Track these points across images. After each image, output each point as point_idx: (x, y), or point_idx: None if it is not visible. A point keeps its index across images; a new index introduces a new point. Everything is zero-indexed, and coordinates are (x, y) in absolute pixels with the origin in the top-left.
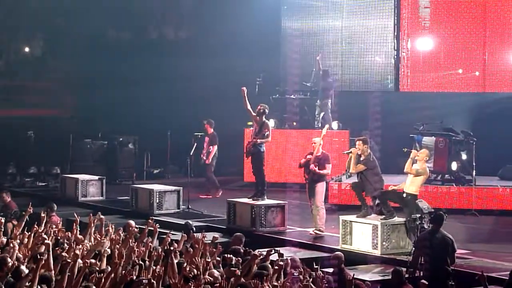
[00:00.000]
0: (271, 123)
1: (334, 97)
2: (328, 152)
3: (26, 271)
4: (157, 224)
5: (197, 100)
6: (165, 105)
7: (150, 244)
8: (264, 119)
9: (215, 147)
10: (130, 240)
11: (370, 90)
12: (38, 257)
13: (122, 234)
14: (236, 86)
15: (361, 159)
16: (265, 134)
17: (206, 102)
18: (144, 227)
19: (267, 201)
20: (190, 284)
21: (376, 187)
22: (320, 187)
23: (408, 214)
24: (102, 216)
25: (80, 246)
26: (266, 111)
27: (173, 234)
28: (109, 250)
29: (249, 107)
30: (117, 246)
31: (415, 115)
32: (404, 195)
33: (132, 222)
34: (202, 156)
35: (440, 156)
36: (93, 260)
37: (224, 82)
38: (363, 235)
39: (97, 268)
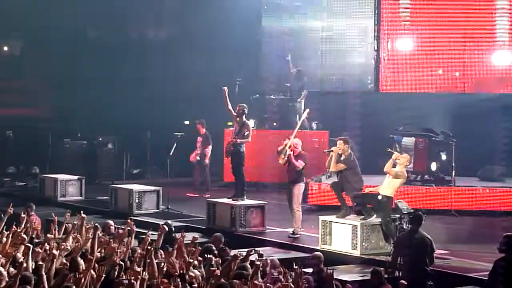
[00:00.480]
0: (251, 123)
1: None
2: (306, 152)
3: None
4: (133, 224)
5: (178, 100)
6: (145, 106)
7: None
8: (244, 119)
9: (210, 147)
10: (111, 241)
11: (350, 91)
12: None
13: (100, 234)
14: (217, 86)
15: (342, 158)
16: (245, 134)
17: (187, 102)
18: (123, 227)
19: (247, 202)
20: (172, 283)
21: (356, 187)
22: (297, 189)
23: (383, 217)
24: (84, 215)
25: (58, 245)
26: (246, 111)
27: (152, 234)
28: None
29: (230, 107)
30: (96, 246)
31: (395, 115)
32: (380, 197)
33: (111, 222)
34: (195, 156)
35: (419, 157)
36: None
37: (204, 82)
38: (342, 235)
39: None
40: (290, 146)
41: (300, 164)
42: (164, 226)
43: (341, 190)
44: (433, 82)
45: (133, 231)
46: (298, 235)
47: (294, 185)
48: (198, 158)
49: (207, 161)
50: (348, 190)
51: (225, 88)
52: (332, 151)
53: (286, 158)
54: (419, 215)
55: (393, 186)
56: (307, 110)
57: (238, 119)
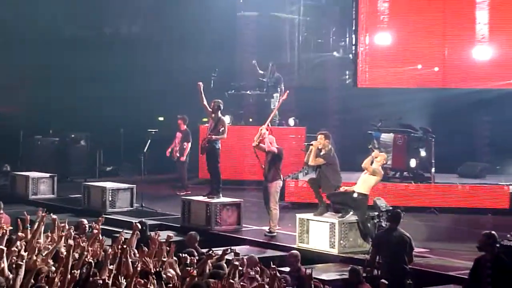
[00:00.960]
0: (226, 119)
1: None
2: (281, 147)
3: None
4: (101, 222)
5: (151, 96)
6: (118, 102)
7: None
8: (219, 115)
9: (189, 144)
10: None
11: (327, 86)
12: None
13: (73, 233)
14: (191, 81)
15: (322, 153)
16: (221, 131)
17: (161, 98)
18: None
19: (222, 199)
20: (148, 282)
21: (334, 184)
22: (273, 187)
23: (359, 216)
24: (54, 216)
25: (28, 245)
26: (221, 106)
27: (126, 232)
28: (64, 250)
29: (205, 102)
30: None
31: (373, 111)
32: (355, 195)
33: (85, 221)
34: (174, 153)
35: (398, 153)
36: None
37: (178, 77)
38: (320, 233)
39: (51, 268)
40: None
41: (269, 147)
42: (138, 224)
43: (319, 187)
44: (412, 77)
45: (98, 231)
46: (275, 234)
47: (271, 183)
48: (178, 154)
49: (184, 157)
50: (325, 187)
51: (200, 83)
52: (311, 145)
53: (257, 142)
54: (397, 212)
55: (368, 184)
56: (287, 92)
57: (213, 115)
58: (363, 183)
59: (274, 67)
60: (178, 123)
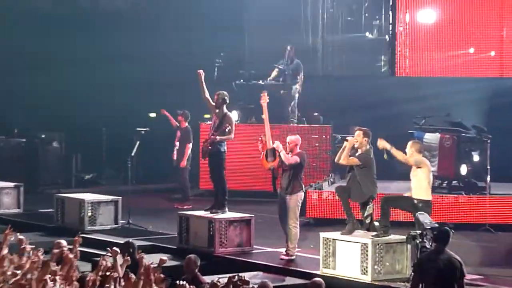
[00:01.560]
0: (234, 115)
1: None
2: (304, 151)
3: None
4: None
5: (140, 87)
6: (100, 93)
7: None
8: (225, 110)
9: (190, 145)
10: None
11: (358, 75)
12: None
13: (41, 257)
14: (190, 69)
15: (357, 153)
16: (226, 130)
17: (152, 89)
18: (71, 247)
19: (229, 214)
20: None
21: (366, 192)
22: (294, 200)
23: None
24: (21, 236)
25: None
26: (227, 100)
27: (110, 256)
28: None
29: (207, 95)
30: (36, 271)
31: (415, 105)
32: (415, 201)
33: (63, 242)
34: (172, 156)
35: (446, 158)
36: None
37: (174, 64)
38: (349, 256)
39: None
40: (276, 146)
41: (292, 159)
42: (115, 249)
43: (348, 196)
44: (462, 64)
45: (76, 256)
46: (294, 257)
47: (291, 195)
48: (175, 158)
49: (185, 162)
50: (355, 195)
51: (201, 71)
52: (346, 140)
53: (273, 160)
54: (445, 231)
55: (421, 184)
56: (264, 93)
57: (217, 110)
58: (417, 186)
59: (293, 52)
60: (178, 120)
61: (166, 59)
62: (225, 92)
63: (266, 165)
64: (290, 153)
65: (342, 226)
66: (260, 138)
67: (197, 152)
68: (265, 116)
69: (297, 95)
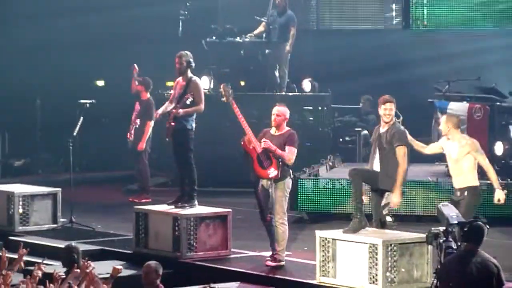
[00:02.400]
0: (204, 82)
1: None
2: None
3: None
4: (24, 249)
5: (85, 46)
6: (31, 55)
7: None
8: (190, 74)
9: (151, 123)
10: None
11: (362, 29)
12: None
13: None
14: (148, 23)
15: (390, 128)
16: (188, 102)
17: (100, 49)
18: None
19: (199, 209)
20: None
21: (392, 178)
22: (281, 190)
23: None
24: None
25: None
26: (192, 62)
27: (47, 264)
28: None
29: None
30: None
31: (435, 67)
32: (458, 193)
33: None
34: (128, 136)
35: (476, 133)
36: None
37: (127, 17)
38: (354, 261)
39: None
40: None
41: (291, 153)
42: (44, 263)
43: (365, 184)
44: (496, 13)
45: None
46: (283, 262)
47: (276, 184)
48: (131, 139)
49: (144, 144)
50: (387, 181)
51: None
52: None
53: (270, 164)
54: (478, 226)
55: (467, 166)
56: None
57: (180, 78)
58: (458, 170)
59: (284, 0)
60: (137, 90)
61: (117, 11)
62: (188, 53)
63: (266, 174)
64: (276, 128)
65: (344, 222)
66: (242, 142)
67: (159, 130)
68: (237, 114)
69: (288, 56)
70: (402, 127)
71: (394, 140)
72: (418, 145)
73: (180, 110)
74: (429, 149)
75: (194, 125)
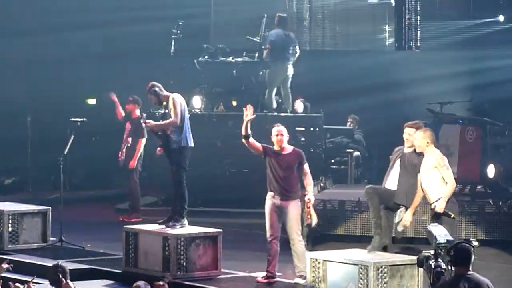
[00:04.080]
0: (195, 101)
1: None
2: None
3: None
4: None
5: (77, 64)
6: (23, 73)
7: None
8: (166, 94)
9: (143, 140)
10: None
11: (355, 50)
12: None
13: None
14: (140, 41)
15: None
16: (170, 115)
17: (92, 67)
18: None
19: (190, 229)
20: None
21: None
22: (297, 208)
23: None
24: None
25: None
26: (158, 88)
27: (36, 283)
28: None
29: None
30: None
31: (429, 88)
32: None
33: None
34: (119, 155)
35: (468, 156)
36: None
37: (118, 36)
38: (344, 282)
39: None
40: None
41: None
42: (34, 281)
43: (382, 202)
44: (489, 34)
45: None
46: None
47: (294, 200)
48: (122, 157)
49: (135, 162)
50: (407, 197)
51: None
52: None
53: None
54: (461, 248)
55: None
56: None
57: (163, 104)
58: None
59: (275, 23)
60: (127, 109)
61: (111, 29)
62: (149, 86)
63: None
64: (279, 147)
65: (335, 244)
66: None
67: (149, 150)
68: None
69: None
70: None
71: (421, 166)
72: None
73: (151, 122)
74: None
75: (189, 142)
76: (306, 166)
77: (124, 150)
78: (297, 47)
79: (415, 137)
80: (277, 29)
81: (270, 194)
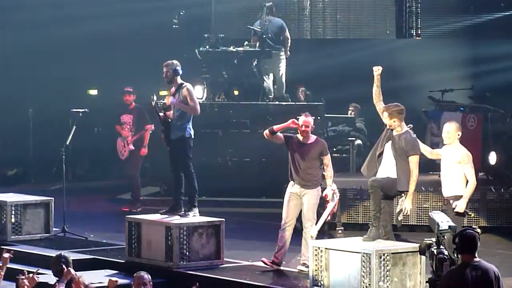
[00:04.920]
0: (197, 91)
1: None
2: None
3: None
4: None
5: (76, 55)
6: (23, 63)
7: None
8: (179, 81)
9: (152, 127)
10: None
11: (356, 38)
12: None
13: None
14: (141, 31)
15: (401, 136)
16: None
17: (94, 57)
18: None
19: (192, 218)
20: None
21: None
22: (314, 199)
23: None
24: None
25: None
26: (178, 70)
27: (40, 274)
28: None
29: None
30: None
31: (430, 75)
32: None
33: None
34: (126, 147)
35: (470, 143)
36: None
37: (119, 27)
38: (347, 271)
39: None
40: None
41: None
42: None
43: (382, 195)
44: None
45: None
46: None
47: (313, 189)
48: (132, 147)
49: (146, 150)
50: (404, 183)
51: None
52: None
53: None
54: (467, 235)
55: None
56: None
57: (172, 88)
58: (453, 181)
59: (272, 8)
60: (127, 101)
61: (111, 20)
62: (174, 62)
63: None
64: (303, 137)
65: (350, 230)
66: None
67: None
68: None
69: (283, 63)
70: (413, 135)
71: (407, 149)
72: (424, 148)
73: (174, 100)
74: (433, 155)
75: (192, 133)
76: (327, 157)
77: (130, 139)
78: None
79: (449, 130)
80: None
81: (290, 183)
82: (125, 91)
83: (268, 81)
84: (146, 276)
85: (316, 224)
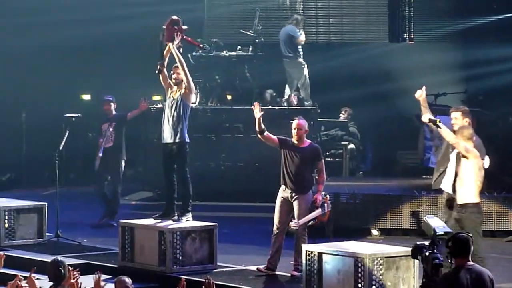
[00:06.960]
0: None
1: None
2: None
3: None
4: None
5: (69, 60)
6: (17, 67)
7: None
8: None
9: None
10: None
11: (348, 42)
12: None
13: None
14: (135, 36)
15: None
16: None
17: (87, 63)
18: None
19: (185, 223)
20: None
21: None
22: (305, 203)
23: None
24: None
25: None
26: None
27: (36, 279)
28: None
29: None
30: None
31: (423, 79)
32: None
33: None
34: (97, 154)
35: None
36: None
37: (112, 31)
38: (339, 274)
39: None
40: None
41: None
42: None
43: None
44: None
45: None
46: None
47: (304, 195)
48: (100, 154)
49: (123, 161)
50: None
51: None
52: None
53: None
54: (460, 238)
55: (472, 183)
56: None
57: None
58: (463, 183)
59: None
60: (104, 110)
61: (104, 25)
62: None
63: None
64: (297, 141)
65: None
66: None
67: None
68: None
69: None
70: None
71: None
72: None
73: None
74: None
75: (188, 138)
76: (321, 163)
77: (102, 143)
78: None
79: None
80: None
81: (282, 188)
82: (104, 99)
83: (290, 90)
84: (128, 280)
85: (299, 220)
